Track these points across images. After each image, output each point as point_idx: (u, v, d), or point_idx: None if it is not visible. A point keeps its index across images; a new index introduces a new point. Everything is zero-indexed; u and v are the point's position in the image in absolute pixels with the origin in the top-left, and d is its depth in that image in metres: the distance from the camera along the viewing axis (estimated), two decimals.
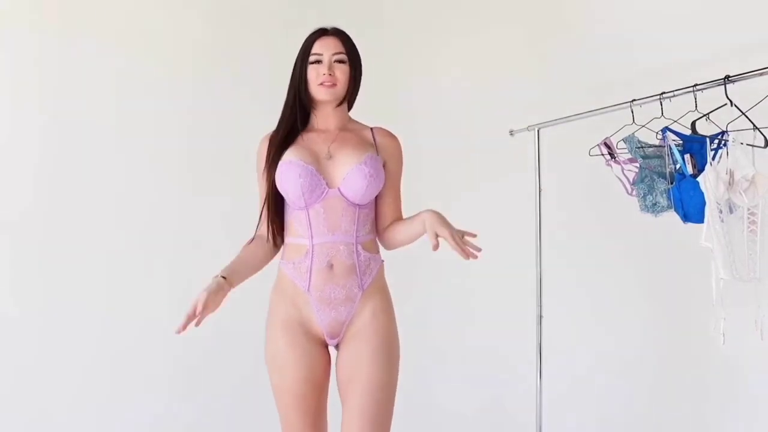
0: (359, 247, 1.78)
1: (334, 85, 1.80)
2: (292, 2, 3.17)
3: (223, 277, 1.71)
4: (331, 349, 1.84)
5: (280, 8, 3.17)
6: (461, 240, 1.72)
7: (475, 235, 1.76)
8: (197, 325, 1.63)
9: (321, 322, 1.78)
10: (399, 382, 1.78)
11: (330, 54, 1.80)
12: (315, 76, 1.81)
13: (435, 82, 3.26)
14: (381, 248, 1.88)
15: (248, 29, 3.19)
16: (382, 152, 1.86)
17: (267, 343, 1.83)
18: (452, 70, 3.28)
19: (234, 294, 2.94)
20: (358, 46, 1.86)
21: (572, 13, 2.84)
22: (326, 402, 1.83)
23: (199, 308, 1.62)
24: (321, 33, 1.84)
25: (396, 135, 1.89)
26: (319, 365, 1.80)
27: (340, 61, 1.81)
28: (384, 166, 1.85)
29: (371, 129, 1.91)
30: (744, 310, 1.80)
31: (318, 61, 1.81)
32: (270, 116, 1.89)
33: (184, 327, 1.62)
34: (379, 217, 1.90)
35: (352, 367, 1.76)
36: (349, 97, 1.88)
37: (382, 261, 1.86)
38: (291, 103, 1.86)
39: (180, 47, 3.02)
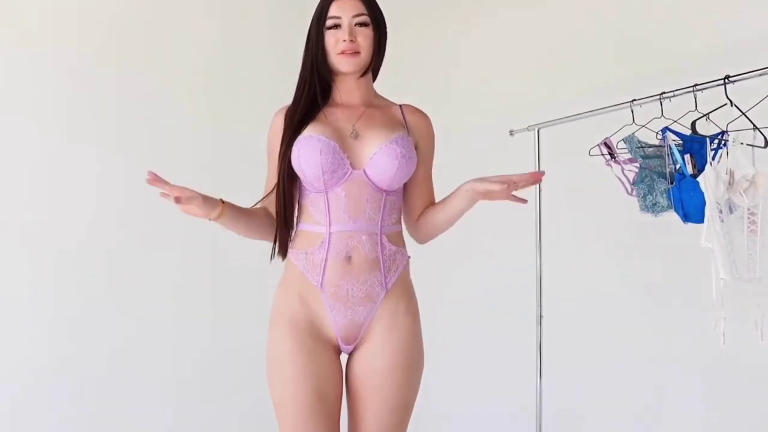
0: (384, 239, 1.55)
1: (356, 53, 1.55)
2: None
3: (222, 201, 1.50)
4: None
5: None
6: (512, 185, 1.50)
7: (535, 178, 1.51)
8: (161, 188, 1.39)
9: (335, 324, 1.54)
10: None
11: (350, 16, 1.54)
12: (334, 43, 1.55)
13: (434, 82, 3.26)
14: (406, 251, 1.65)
15: (250, 29, 3.20)
16: (414, 132, 1.63)
17: (269, 346, 1.56)
18: (452, 70, 3.28)
19: (226, 292, 2.92)
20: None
21: (572, 14, 2.84)
22: (338, 420, 1.56)
23: (181, 192, 1.39)
24: None
25: (427, 114, 1.68)
26: (331, 375, 1.54)
27: (362, 24, 1.55)
28: (416, 147, 1.63)
29: (400, 106, 1.68)
30: (744, 310, 1.80)
31: (336, 26, 1.55)
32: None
33: (155, 180, 1.37)
34: (411, 204, 1.67)
35: (369, 380, 1.53)
36: (374, 67, 1.63)
37: (408, 257, 1.62)
38: (309, 74, 1.60)
39: (181, 47, 3.02)
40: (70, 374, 2.70)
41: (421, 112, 1.69)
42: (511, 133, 2.73)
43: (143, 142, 2.91)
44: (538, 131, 2.60)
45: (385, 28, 1.64)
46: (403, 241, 1.63)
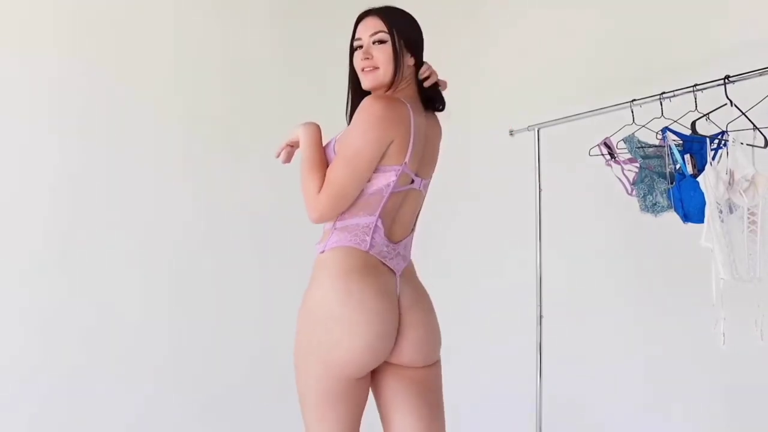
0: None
1: (375, 68, 1.63)
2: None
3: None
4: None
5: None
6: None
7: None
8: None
9: None
10: None
11: (368, 35, 1.64)
12: (358, 62, 1.66)
13: None
14: (336, 240, 1.60)
15: (249, 29, 3.20)
16: None
17: None
18: (452, 70, 3.27)
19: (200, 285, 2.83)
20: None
21: (572, 14, 2.84)
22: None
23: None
24: (363, 15, 1.68)
25: (371, 98, 1.59)
26: None
27: (380, 41, 1.63)
28: None
29: None
30: (744, 310, 1.80)
31: (360, 47, 1.66)
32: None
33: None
34: None
35: None
36: (403, 78, 1.66)
37: (321, 252, 1.62)
38: (350, 95, 1.73)
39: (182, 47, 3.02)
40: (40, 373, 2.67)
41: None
42: (511, 133, 2.73)
43: (131, 141, 2.91)
44: (538, 131, 2.60)
45: (415, 42, 1.69)
46: (326, 237, 1.63)
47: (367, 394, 1.66)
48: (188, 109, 3.02)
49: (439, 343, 1.72)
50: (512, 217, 2.95)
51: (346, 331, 1.52)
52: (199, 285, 3.02)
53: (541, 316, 2.57)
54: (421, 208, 1.74)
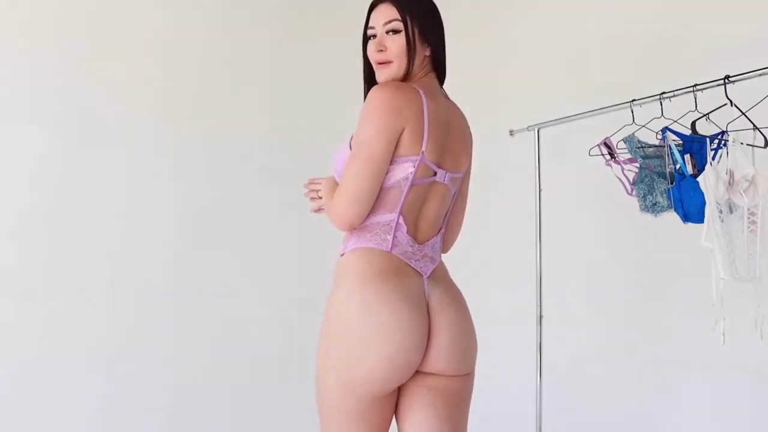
0: None
1: (387, 62, 1.52)
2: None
3: None
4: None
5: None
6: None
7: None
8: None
9: None
10: None
11: (381, 24, 1.52)
12: (371, 54, 1.55)
13: None
14: (355, 241, 1.51)
15: (250, 30, 3.20)
16: None
17: None
18: (452, 70, 3.27)
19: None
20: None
21: (571, 14, 2.84)
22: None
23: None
24: (377, 0, 1.56)
25: (376, 87, 1.50)
26: None
27: (393, 31, 1.51)
28: None
29: None
30: (744, 310, 1.80)
31: (373, 36, 1.55)
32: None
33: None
34: None
35: None
36: (419, 70, 1.57)
37: (341, 255, 1.53)
38: (365, 86, 1.61)
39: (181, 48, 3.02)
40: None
41: None
42: (511, 133, 2.73)
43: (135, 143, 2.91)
44: (538, 131, 2.60)
45: (431, 29, 1.58)
46: (348, 237, 1.54)
47: (394, 408, 1.53)
48: (181, 106, 3.02)
49: (475, 351, 1.57)
50: (512, 217, 2.95)
51: (367, 346, 1.39)
52: (192, 283, 3.01)
53: (541, 316, 2.57)
54: (450, 206, 1.62)
